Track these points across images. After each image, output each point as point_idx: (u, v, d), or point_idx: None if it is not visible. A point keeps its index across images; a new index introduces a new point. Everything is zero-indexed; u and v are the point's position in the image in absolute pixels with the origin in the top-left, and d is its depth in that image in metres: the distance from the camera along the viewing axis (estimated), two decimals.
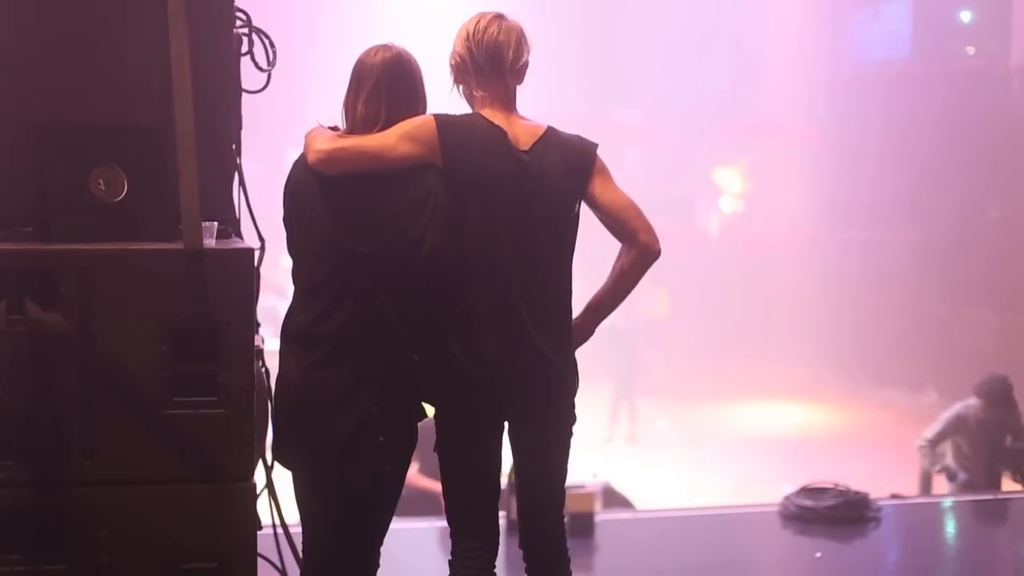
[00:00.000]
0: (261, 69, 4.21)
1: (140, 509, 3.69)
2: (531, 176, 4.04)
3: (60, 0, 3.78)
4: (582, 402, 4.20)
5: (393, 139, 3.94)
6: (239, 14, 4.09)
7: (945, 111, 21.65)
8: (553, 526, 4.22)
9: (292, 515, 4.20)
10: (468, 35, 4.10)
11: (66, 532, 3.64)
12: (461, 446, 4.11)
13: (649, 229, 4.14)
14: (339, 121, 4.06)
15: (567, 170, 4.10)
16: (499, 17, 4.13)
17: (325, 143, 3.93)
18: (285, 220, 4.06)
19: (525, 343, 4.03)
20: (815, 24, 25.27)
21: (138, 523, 3.69)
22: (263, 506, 4.05)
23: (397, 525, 4.24)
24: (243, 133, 4.19)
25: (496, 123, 4.06)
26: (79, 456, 3.63)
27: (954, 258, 20.99)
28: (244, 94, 4.16)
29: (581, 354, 4.19)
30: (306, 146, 3.99)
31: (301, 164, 4.03)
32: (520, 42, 4.13)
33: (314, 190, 3.95)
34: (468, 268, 3.99)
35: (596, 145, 4.20)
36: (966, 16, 22.95)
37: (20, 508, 3.60)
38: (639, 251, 4.14)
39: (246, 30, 4.15)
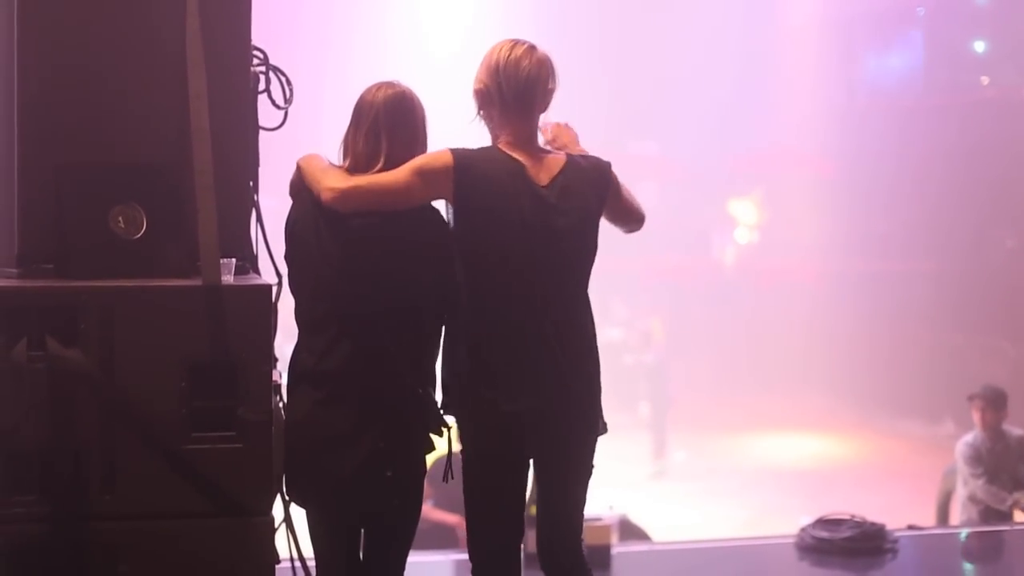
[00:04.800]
0: (278, 107, 4.25)
1: (159, 543, 3.71)
2: (551, 210, 4.00)
3: (79, 40, 3.82)
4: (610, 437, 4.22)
5: (408, 175, 3.92)
6: (256, 52, 4.12)
7: (959, 141, 21.60)
8: (576, 559, 4.21)
9: (310, 549, 4.21)
10: (498, 66, 4.04)
11: (86, 566, 3.66)
12: (490, 484, 4.08)
13: (642, 216, 4.33)
14: (335, 156, 4.08)
15: (587, 201, 4.08)
16: (532, 48, 4.07)
17: (339, 181, 3.92)
18: (286, 257, 4.09)
19: (555, 383, 4.01)
20: (829, 55, 25.27)
21: (157, 557, 3.70)
22: (281, 540, 4.07)
23: (412, 559, 4.24)
24: (259, 169, 4.22)
25: (515, 157, 4.02)
26: (99, 491, 3.65)
27: (970, 288, 20.91)
28: (261, 131, 4.19)
29: (612, 389, 4.20)
30: (312, 180, 3.97)
31: (300, 200, 4.05)
32: (550, 75, 4.08)
33: (312, 226, 3.98)
34: (490, 307, 3.98)
35: (609, 164, 4.18)
36: (980, 46, 22.93)
37: (41, 543, 3.62)
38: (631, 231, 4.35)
39: (263, 68, 4.19)
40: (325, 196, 3.92)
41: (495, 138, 4.12)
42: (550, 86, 4.09)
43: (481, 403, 3.99)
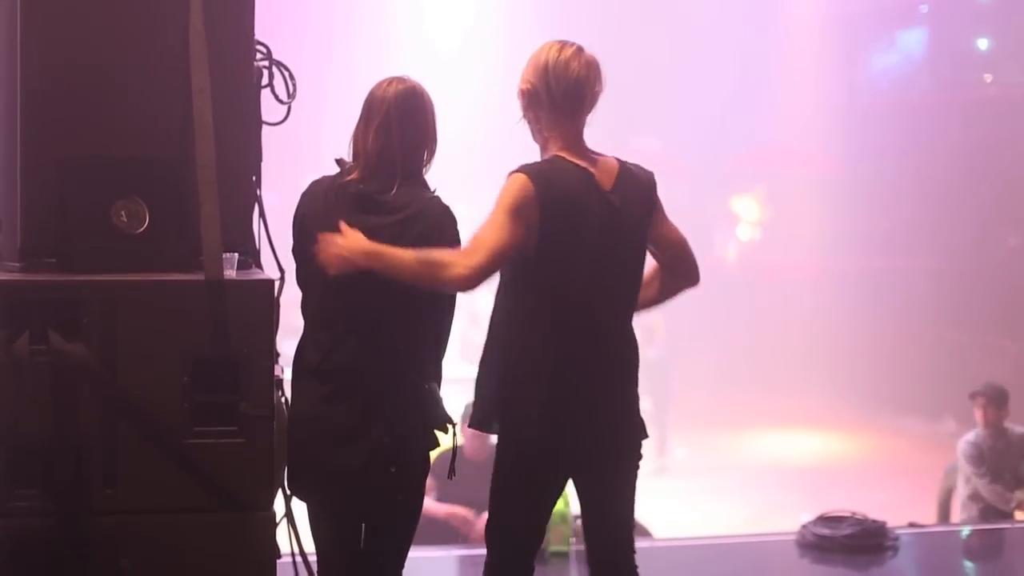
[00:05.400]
0: (281, 102, 4.25)
1: (161, 538, 3.72)
2: (617, 214, 3.99)
3: (81, 34, 3.81)
4: None
5: (510, 223, 3.86)
6: (259, 47, 4.12)
7: (962, 139, 21.60)
8: (627, 565, 4.23)
9: (311, 544, 4.21)
10: (547, 67, 4.00)
11: (88, 561, 3.66)
12: (530, 489, 4.07)
13: (697, 265, 4.25)
14: (344, 151, 4.07)
15: (642, 207, 4.08)
16: (580, 50, 4.04)
17: (459, 266, 3.81)
18: (294, 251, 4.09)
19: (609, 390, 4.05)
20: (831, 52, 25.25)
21: (159, 552, 3.71)
22: (282, 535, 4.07)
23: (413, 554, 4.25)
24: (262, 164, 4.21)
25: (580, 164, 3.99)
26: (101, 485, 3.66)
27: (972, 286, 20.91)
28: (264, 126, 4.19)
29: None
30: (420, 278, 3.83)
31: (309, 195, 4.05)
32: (598, 77, 4.06)
33: (321, 223, 3.97)
34: (558, 316, 3.96)
35: (652, 174, 4.16)
36: (983, 44, 22.90)
37: (42, 537, 3.63)
38: (691, 284, 4.25)
39: (266, 63, 4.19)
40: (461, 286, 3.86)
41: (543, 140, 4.09)
42: (597, 88, 4.08)
43: (533, 410, 3.97)
